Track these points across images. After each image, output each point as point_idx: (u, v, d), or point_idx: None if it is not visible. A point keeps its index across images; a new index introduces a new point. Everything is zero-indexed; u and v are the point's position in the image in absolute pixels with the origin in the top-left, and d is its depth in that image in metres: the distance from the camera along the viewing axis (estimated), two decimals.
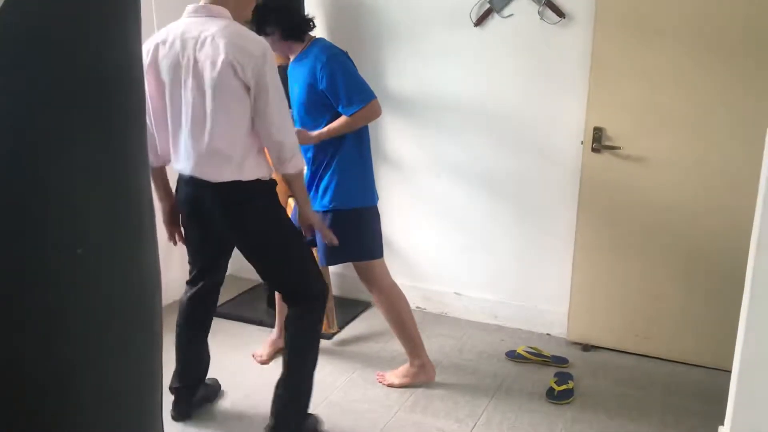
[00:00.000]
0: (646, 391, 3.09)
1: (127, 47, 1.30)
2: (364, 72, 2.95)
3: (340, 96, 2.74)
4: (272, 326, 3.44)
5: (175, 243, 2.71)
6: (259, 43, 2.31)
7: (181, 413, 2.81)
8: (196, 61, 2.28)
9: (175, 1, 3.53)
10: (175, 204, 2.63)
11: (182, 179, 2.51)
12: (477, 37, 3.43)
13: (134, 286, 1.38)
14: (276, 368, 3.22)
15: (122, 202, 1.33)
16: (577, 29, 3.24)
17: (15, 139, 1.18)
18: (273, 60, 2.32)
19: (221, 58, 2.24)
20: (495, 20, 3.38)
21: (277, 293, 3.32)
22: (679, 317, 3.27)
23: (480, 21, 3.40)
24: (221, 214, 2.45)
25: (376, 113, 2.81)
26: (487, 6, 3.36)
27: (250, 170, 2.40)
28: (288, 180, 2.46)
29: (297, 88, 2.82)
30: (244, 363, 3.26)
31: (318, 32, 2.90)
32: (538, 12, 3.27)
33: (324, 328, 3.49)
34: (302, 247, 2.62)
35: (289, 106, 2.52)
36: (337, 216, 2.84)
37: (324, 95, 2.76)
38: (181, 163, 2.44)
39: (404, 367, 3.12)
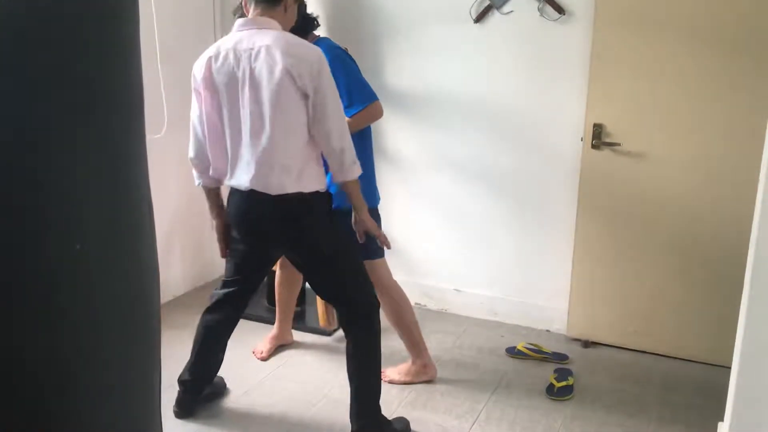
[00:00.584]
0: (646, 387, 3.10)
1: (125, 48, 1.30)
2: (364, 69, 2.94)
3: (341, 97, 2.73)
4: (272, 322, 3.44)
5: (225, 257, 2.71)
6: (314, 51, 2.32)
7: (183, 410, 2.80)
8: (252, 72, 2.28)
9: (176, 3, 3.54)
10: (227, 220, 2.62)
11: (237, 194, 2.47)
12: (477, 33, 3.43)
13: (132, 282, 1.39)
14: (275, 364, 3.23)
15: (121, 200, 1.34)
16: (576, 26, 3.24)
17: (14, 138, 1.18)
18: (328, 67, 2.33)
19: (279, 67, 2.24)
20: (495, 17, 3.38)
21: (279, 292, 3.33)
22: (679, 313, 3.27)
23: (480, 17, 3.39)
24: (281, 228, 2.45)
25: (378, 115, 2.81)
26: (487, 2, 3.36)
27: (310, 181, 2.39)
28: (347, 186, 2.45)
29: None
30: (243, 359, 3.25)
31: (318, 29, 2.90)
32: (538, 8, 3.27)
33: (324, 325, 3.51)
34: (357, 260, 2.61)
35: None
36: (340, 216, 2.83)
37: None
38: (239, 178, 2.41)
39: (406, 365, 3.12)
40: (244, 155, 2.37)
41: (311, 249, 2.51)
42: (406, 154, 3.73)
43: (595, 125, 3.20)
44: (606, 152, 3.22)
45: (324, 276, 2.58)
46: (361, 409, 2.61)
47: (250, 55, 2.28)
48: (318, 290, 2.69)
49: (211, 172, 2.52)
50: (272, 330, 3.38)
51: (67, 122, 1.21)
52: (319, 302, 3.45)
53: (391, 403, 2.94)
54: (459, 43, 3.47)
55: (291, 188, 2.36)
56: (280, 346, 3.38)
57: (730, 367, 2.37)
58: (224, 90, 2.34)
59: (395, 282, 3.03)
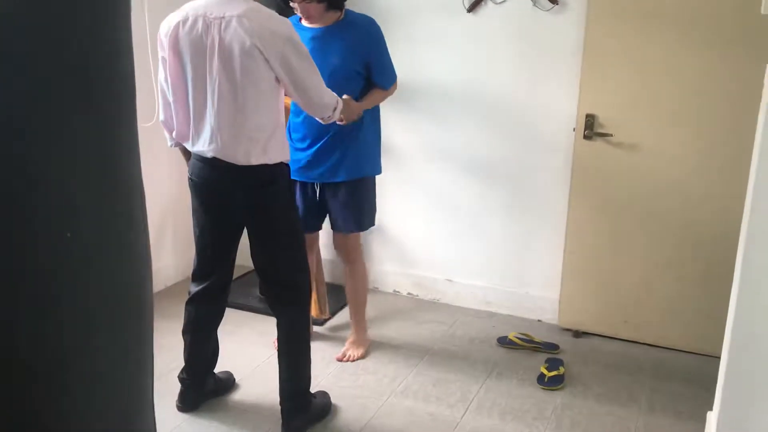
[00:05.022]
0: (636, 377, 3.12)
1: (116, 34, 1.29)
2: None
3: (384, 67, 2.90)
4: (263, 313, 3.43)
5: None
6: (284, 24, 2.31)
7: (186, 404, 2.79)
8: (221, 42, 2.27)
9: None
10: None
11: (201, 160, 2.46)
12: (470, 23, 3.42)
13: (124, 270, 1.38)
14: (267, 354, 3.23)
15: (112, 188, 1.33)
16: (570, 16, 3.23)
17: (4, 126, 1.17)
18: (298, 38, 2.33)
19: (249, 40, 2.24)
20: (488, 7, 3.37)
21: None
22: (669, 304, 3.29)
23: (473, 7, 3.39)
24: (244, 196, 2.45)
25: (396, 89, 3.04)
26: None
27: (275, 153, 2.42)
28: (347, 107, 2.61)
29: (333, 57, 2.83)
30: (236, 348, 3.25)
31: None
32: None
33: (316, 315, 3.51)
34: (304, 241, 2.65)
35: None
36: (367, 182, 3.05)
37: (365, 66, 2.86)
38: (202, 145, 2.41)
39: (358, 338, 3.27)
40: (210, 124, 2.37)
41: (270, 218, 2.51)
42: (399, 145, 3.72)
43: (587, 116, 3.20)
44: (598, 143, 3.22)
45: (275, 249, 2.58)
46: (294, 390, 2.66)
47: (221, 23, 2.26)
48: (266, 266, 2.62)
49: (174, 134, 2.52)
50: None
51: (58, 111, 1.21)
52: (312, 292, 3.44)
53: (383, 393, 2.95)
54: (451, 33, 3.46)
55: (257, 160, 2.38)
56: None
57: (719, 357, 2.39)
58: (190, 56, 2.33)
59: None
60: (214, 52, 2.28)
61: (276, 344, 3.25)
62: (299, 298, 2.65)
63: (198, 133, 2.41)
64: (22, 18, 1.14)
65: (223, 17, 2.26)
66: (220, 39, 2.27)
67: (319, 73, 2.42)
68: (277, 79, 2.34)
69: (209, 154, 2.40)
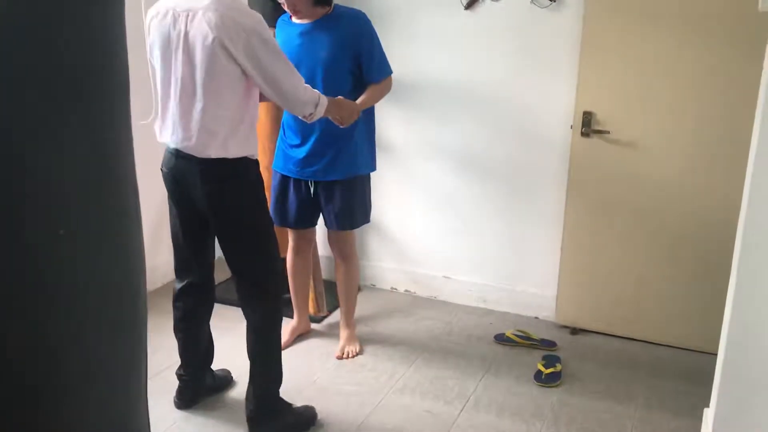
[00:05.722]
0: (633, 373, 3.12)
1: (109, 30, 1.29)
2: None
3: (374, 62, 2.87)
4: None
5: None
6: (251, 16, 2.29)
7: (183, 401, 2.78)
8: (186, 35, 2.28)
9: None
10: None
11: (168, 151, 2.49)
12: (467, 20, 3.42)
13: (118, 268, 1.38)
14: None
15: (106, 185, 1.33)
16: (567, 13, 3.23)
17: None
18: (266, 30, 2.31)
19: (213, 35, 2.23)
20: (485, 4, 3.36)
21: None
22: (666, 301, 3.29)
23: (470, 4, 3.38)
24: (202, 190, 2.43)
25: (390, 87, 3.00)
26: None
27: (235, 148, 2.39)
28: (328, 111, 2.55)
29: (322, 51, 2.82)
30: (231, 346, 3.25)
31: None
32: None
33: (314, 312, 3.51)
34: (273, 241, 2.57)
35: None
36: (361, 180, 3.04)
37: (355, 60, 2.84)
38: (167, 136, 2.43)
39: (351, 334, 3.27)
40: (172, 116, 2.39)
41: (232, 215, 2.47)
42: (396, 141, 3.72)
43: (585, 113, 3.20)
44: (595, 140, 3.22)
45: (238, 248, 2.53)
46: (258, 393, 2.62)
47: (187, 16, 2.27)
48: (230, 263, 2.59)
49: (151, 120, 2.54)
50: (291, 322, 3.33)
51: (51, 109, 1.20)
52: (310, 289, 3.44)
53: (380, 390, 2.95)
54: (449, 30, 3.46)
55: (215, 153, 2.37)
56: (298, 336, 3.36)
57: (716, 354, 2.39)
58: (158, 48, 2.35)
59: None
60: (179, 44, 2.30)
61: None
62: (265, 300, 2.58)
63: (164, 124, 2.44)
64: (13, 16, 1.14)
65: (190, 10, 2.27)
66: (186, 32, 2.28)
67: (293, 67, 2.39)
68: (245, 74, 2.31)
69: (172, 145, 2.43)
